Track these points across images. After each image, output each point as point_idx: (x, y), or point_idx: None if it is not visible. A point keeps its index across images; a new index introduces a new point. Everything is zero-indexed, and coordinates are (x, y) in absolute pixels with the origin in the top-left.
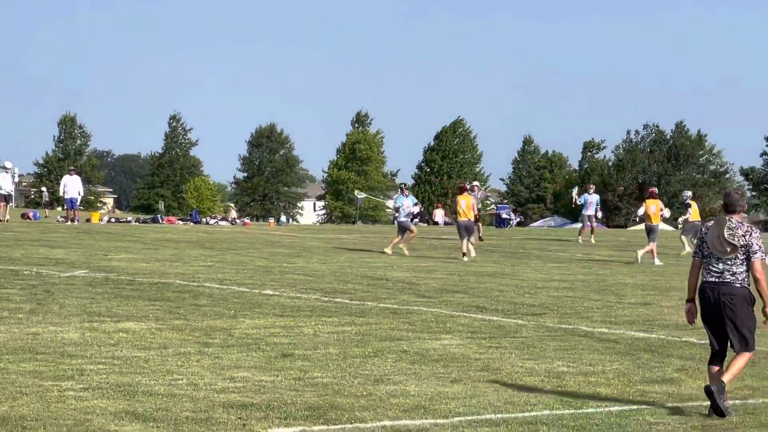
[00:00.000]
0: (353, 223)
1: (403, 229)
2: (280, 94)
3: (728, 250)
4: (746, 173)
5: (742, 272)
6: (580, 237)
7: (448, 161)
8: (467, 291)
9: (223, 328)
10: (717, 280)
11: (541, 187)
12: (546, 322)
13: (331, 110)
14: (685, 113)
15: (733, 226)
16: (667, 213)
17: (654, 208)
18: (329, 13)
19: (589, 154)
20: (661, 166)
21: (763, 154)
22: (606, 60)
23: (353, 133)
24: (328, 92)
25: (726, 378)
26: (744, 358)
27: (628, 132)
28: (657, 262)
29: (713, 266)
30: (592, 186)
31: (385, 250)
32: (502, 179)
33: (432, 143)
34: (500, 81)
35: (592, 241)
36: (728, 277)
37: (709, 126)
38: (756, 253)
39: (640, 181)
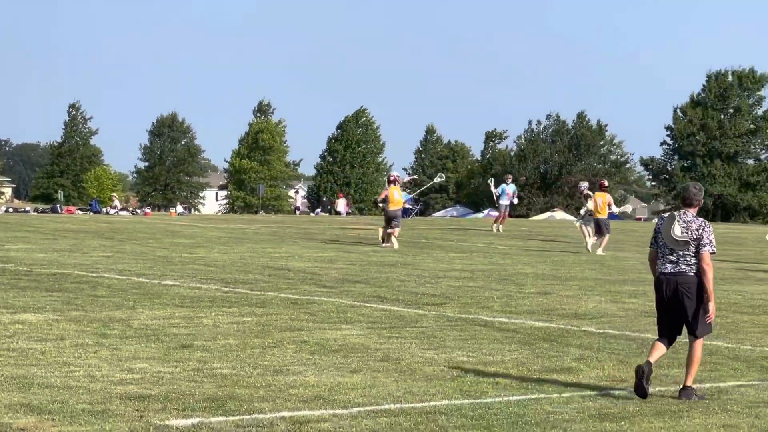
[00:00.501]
0: (255, 213)
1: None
2: (182, 82)
3: (681, 243)
4: (646, 163)
5: (696, 262)
6: (494, 225)
7: (350, 151)
8: (368, 281)
9: (122, 319)
10: (673, 270)
11: (444, 177)
12: (446, 312)
13: (233, 99)
14: (586, 103)
15: (688, 219)
16: (615, 209)
17: (601, 201)
18: (230, 1)
19: (491, 143)
20: (563, 156)
21: (663, 143)
22: (508, 49)
23: (256, 123)
24: (230, 81)
25: (689, 380)
26: (700, 345)
27: (530, 122)
28: (600, 251)
29: (668, 257)
30: (509, 176)
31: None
32: (405, 169)
33: (335, 133)
34: (403, 70)
35: (500, 230)
36: (683, 266)
37: (610, 116)
38: (706, 246)
39: (542, 171)
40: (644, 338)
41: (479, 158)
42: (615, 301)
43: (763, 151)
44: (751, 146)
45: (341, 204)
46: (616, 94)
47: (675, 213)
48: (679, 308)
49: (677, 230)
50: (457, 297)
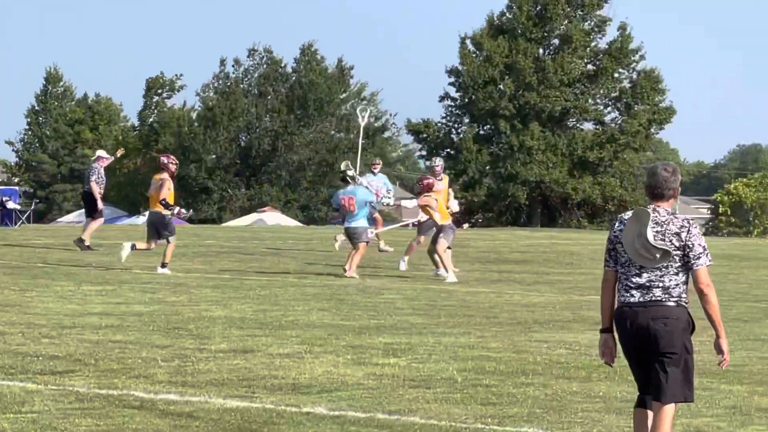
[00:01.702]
0: None
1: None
2: None
3: (657, 256)
4: (417, 130)
5: (677, 285)
6: (381, 242)
7: None
8: None
9: None
10: (641, 299)
11: (79, 155)
12: (76, 386)
13: None
14: (314, 33)
15: (662, 219)
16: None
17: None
18: None
19: (155, 98)
20: (279, 118)
21: (445, 97)
22: None
23: None
24: None
25: None
26: (668, 415)
27: (222, 62)
28: (447, 274)
29: (634, 279)
30: (377, 162)
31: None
32: (11, 142)
33: None
34: None
35: (381, 244)
36: (658, 293)
37: (355, 54)
38: (700, 257)
39: (243, 143)
40: (410, 423)
41: (137, 123)
42: (361, 363)
43: (609, 109)
44: (590, 100)
45: None
46: (365, 28)
47: (641, 210)
48: (649, 356)
49: (649, 236)
50: (94, 360)
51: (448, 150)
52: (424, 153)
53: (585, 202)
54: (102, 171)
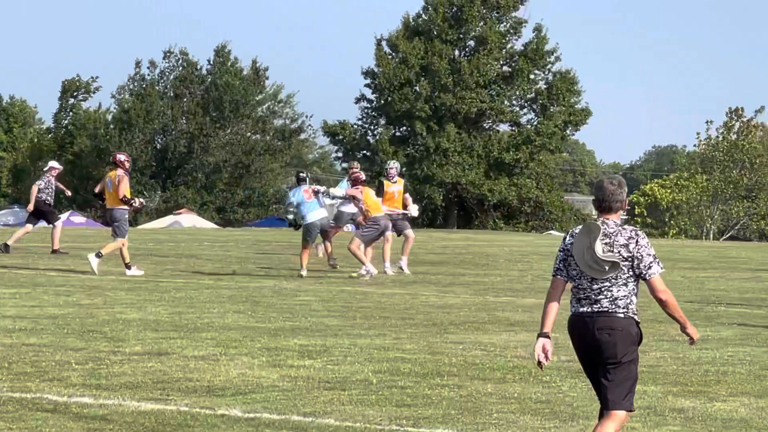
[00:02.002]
0: None
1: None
2: None
3: (606, 267)
4: (333, 131)
5: (625, 296)
6: (319, 249)
7: None
8: None
9: None
10: (590, 309)
11: None
12: None
13: None
14: (228, 34)
15: (611, 231)
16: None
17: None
18: None
19: (71, 100)
20: (195, 120)
21: (361, 98)
22: None
23: None
24: None
25: None
26: (616, 420)
27: (138, 63)
28: (368, 268)
29: (585, 290)
30: (355, 165)
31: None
32: None
33: None
34: None
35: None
36: (605, 303)
37: (273, 59)
38: (651, 267)
39: (159, 146)
40: (325, 425)
41: (52, 125)
42: (276, 365)
43: (525, 111)
44: (505, 102)
45: None
46: (281, 24)
47: (590, 223)
48: (597, 364)
49: (598, 249)
50: (7, 363)
51: (364, 152)
52: (340, 155)
53: (501, 204)
54: (52, 181)
